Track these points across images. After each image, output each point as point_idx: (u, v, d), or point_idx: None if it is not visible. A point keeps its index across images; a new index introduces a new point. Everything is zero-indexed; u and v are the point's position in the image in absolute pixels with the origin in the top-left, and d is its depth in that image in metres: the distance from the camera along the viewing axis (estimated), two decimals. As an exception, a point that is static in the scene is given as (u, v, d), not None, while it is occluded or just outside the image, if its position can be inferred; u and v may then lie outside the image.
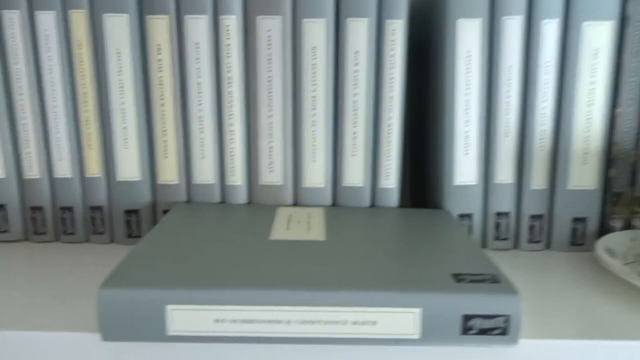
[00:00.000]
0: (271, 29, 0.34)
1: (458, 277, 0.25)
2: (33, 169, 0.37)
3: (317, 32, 0.34)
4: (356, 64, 0.35)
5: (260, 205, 0.37)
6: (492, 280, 0.25)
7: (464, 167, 0.36)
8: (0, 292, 0.30)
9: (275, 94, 0.35)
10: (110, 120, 0.36)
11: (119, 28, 0.34)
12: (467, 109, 0.35)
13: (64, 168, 0.37)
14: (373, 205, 0.37)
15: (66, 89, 0.35)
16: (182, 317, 0.24)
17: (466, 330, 0.24)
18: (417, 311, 0.24)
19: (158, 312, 0.24)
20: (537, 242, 0.37)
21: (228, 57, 0.35)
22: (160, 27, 0.34)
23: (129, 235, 0.38)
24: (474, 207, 0.37)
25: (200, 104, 0.36)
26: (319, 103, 0.35)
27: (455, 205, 0.37)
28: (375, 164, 0.37)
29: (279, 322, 0.24)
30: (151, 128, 0.36)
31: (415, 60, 0.43)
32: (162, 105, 0.36)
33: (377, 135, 0.36)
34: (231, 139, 0.36)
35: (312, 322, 0.24)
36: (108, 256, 0.35)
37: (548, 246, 0.38)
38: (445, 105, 0.35)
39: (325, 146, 0.36)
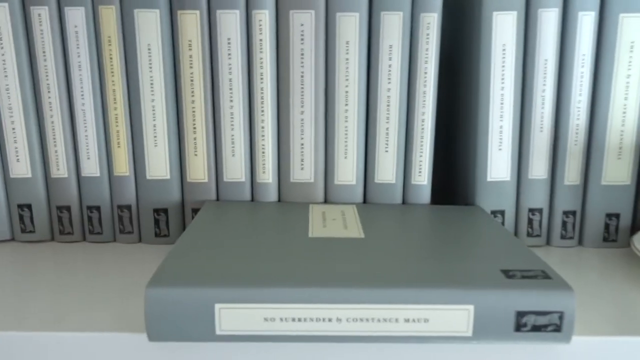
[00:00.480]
0: (304, 23, 0.34)
1: (508, 273, 0.25)
2: (60, 168, 0.36)
3: (350, 27, 0.34)
4: (390, 59, 0.34)
5: (291, 202, 0.37)
6: (543, 276, 0.25)
7: (497, 163, 0.36)
8: (30, 293, 0.29)
9: (307, 90, 0.35)
10: (140, 118, 0.35)
11: (149, 24, 0.34)
12: (501, 103, 0.35)
13: (91, 167, 0.36)
14: (404, 202, 0.37)
15: (95, 86, 0.35)
16: (231, 316, 0.23)
17: (519, 327, 0.24)
18: (470, 308, 0.23)
19: (206, 311, 0.23)
20: (570, 238, 0.37)
21: (260, 52, 0.34)
22: (191, 22, 0.34)
23: (157, 235, 0.37)
24: (507, 203, 0.36)
25: (231, 101, 0.35)
26: (352, 98, 0.35)
27: (488, 202, 0.36)
28: (407, 160, 0.36)
29: (329, 320, 0.23)
30: (181, 125, 0.36)
31: (444, 55, 0.42)
32: (193, 102, 0.35)
33: (410, 131, 0.36)
34: (262, 136, 0.36)
35: (364, 320, 0.23)
36: (136, 256, 0.35)
37: (580, 242, 0.37)
38: (479, 100, 0.35)
39: (357, 142, 0.36)
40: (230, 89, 0.35)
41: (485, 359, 0.25)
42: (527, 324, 0.24)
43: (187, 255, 0.27)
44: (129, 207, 0.37)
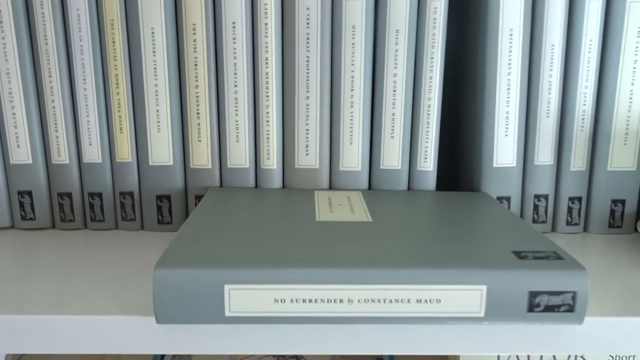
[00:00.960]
0: (310, 7, 0.34)
1: (520, 255, 0.25)
2: (61, 154, 0.36)
3: (357, 11, 0.34)
4: (396, 44, 0.34)
5: (295, 189, 0.36)
6: (555, 257, 0.25)
7: (503, 149, 0.36)
8: (32, 279, 0.29)
9: (312, 75, 0.35)
10: (143, 103, 0.35)
11: (153, 7, 0.33)
12: (508, 89, 0.35)
13: (93, 153, 0.36)
14: (409, 188, 0.37)
15: (97, 70, 0.34)
16: (240, 297, 0.23)
17: (532, 307, 0.23)
18: (482, 288, 0.23)
19: (216, 293, 0.23)
20: (575, 224, 0.37)
21: (265, 36, 0.34)
22: (195, 5, 0.33)
23: (160, 222, 0.37)
24: (513, 189, 0.36)
25: (235, 86, 0.35)
26: (358, 83, 0.35)
27: (493, 188, 0.36)
28: (413, 146, 0.36)
29: (341, 301, 0.23)
30: (184, 111, 0.35)
31: (450, 40, 0.42)
32: (197, 87, 0.35)
33: (416, 117, 0.35)
34: (267, 121, 0.35)
35: (375, 300, 0.23)
36: (139, 243, 0.35)
37: (586, 229, 0.37)
38: (486, 85, 0.35)
39: (363, 128, 0.36)
40: (235, 73, 0.35)
41: (497, 340, 0.25)
42: (540, 304, 0.23)
43: (194, 238, 0.26)
44: (131, 194, 0.36)
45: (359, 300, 0.23)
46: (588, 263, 0.32)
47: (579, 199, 0.36)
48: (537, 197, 0.36)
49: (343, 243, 0.26)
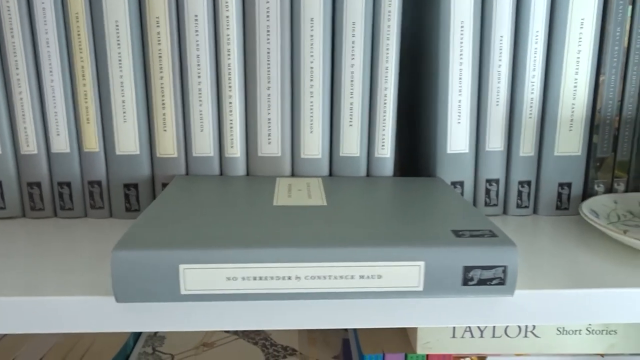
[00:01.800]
0: (269, 0, 0.35)
1: (458, 233, 0.27)
2: (30, 144, 0.37)
3: (314, 4, 0.35)
4: (353, 35, 0.36)
5: (259, 176, 0.38)
6: (490, 234, 0.26)
7: (456, 136, 0.37)
8: (2, 264, 0.30)
9: (273, 66, 0.36)
10: (109, 94, 0.36)
11: (117, 0, 0.34)
12: (460, 78, 0.36)
13: (61, 143, 0.37)
14: (368, 174, 0.38)
15: (63, 62, 0.35)
16: (194, 276, 0.25)
17: (467, 281, 0.25)
18: (420, 264, 0.25)
19: (171, 272, 0.25)
20: (525, 207, 0.39)
21: (227, 29, 0.35)
22: (157, -1, 0.34)
23: (128, 210, 0.38)
24: (466, 174, 0.38)
25: (199, 77, 0.36)
26: (317, 74, 0.36)
27: (448, 173, 0.38)
28: (371, 134, 0.38)
29: (289, 278, 0.25)
30: (150, 101, 0.36)
31: (405, 33, 0.44)
32: (161, 77, 0.36)
33: (373, 106, 0.37)
34: (230, 111, 0.37)
35: (321, 277, 0.25)
36: (107, 231, 0.36)
37: (535, 211, 0.39)
38: (439, 75, 0.36)
39: (323, 117, 0.37)
40: (198, 65, 0.36)
41: (435, 312, 0.26)
42: (473, 278, 0.25)
43: (154, 222, 0.28)
44: (99, 183, 0.38)
45: (305, 277, 0.25)
46: (534, 244, 0.34)
47: (528, 183, 0.38)
48: (488, 181, 0.38)
49: (295, 225, 0.28)
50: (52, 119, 0.36)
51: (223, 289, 0.25)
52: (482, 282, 0.25)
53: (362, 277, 0.25)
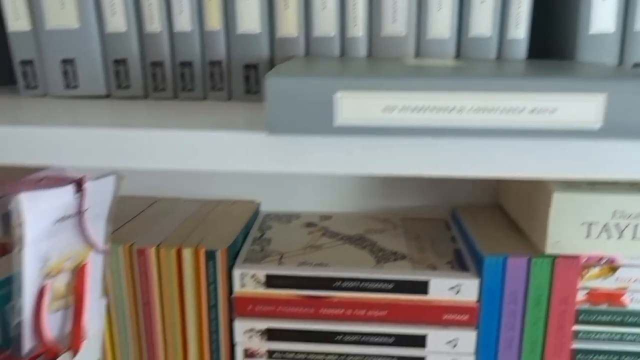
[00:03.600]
0: None
1: None
2: (154, 22, 0.37)
3: None
4: None
5: (382, 58, 0.36)
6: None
7: (601, 13, 0.34)
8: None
9: None
10: (234, -34, 0.35)
11: None
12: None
13: (183, 21, 0.37)
14: (499, 57, 0.36)
15: None
16: (350, 105, 0.23)
17: (653, 119, 0.23)
18: (602, 97, 0.22)
19: (326, 100, 0.23)
20: None
21: None
22: None
23: (248, 92, 0.38)
24: (610, 58, 0.35)
25: (326, -54, 0.34)
26: (451, -58, 0.34)
27: (589, 56, 0.35)
28: (505, 12, 0.35)
29: (451, 109, 0.23)
30: (274, -25, 0.35)
31: None
32: (287, -52, 0.35)
33: (510, -21, 0.34)
34: (356, -15, 0.35)
35: (487, 110, 0.23)
36: (228, 114, 0.35)
37: None
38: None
39: (453, -8, 0.35)
40: None
41: (613, 160, 0.24)
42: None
43: (300, 64, 0.27)
44: (219, 63, 0.37)
45: (469, 110, 0.23)
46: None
47: None
48: (636, 65, 0.35)
49: (447, 69, 0.26)
50: (176, -4, 0.36)
51: (379, 121, 0.24)
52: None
53: (533, 110, 0.23)
